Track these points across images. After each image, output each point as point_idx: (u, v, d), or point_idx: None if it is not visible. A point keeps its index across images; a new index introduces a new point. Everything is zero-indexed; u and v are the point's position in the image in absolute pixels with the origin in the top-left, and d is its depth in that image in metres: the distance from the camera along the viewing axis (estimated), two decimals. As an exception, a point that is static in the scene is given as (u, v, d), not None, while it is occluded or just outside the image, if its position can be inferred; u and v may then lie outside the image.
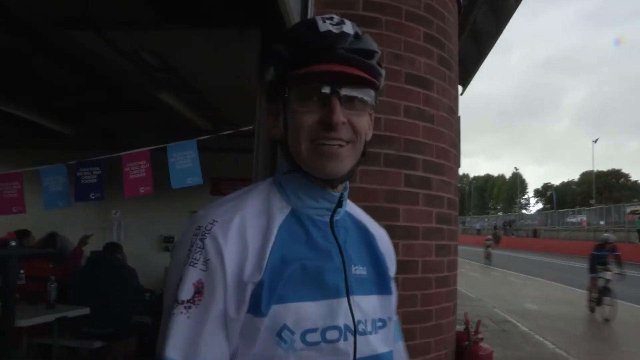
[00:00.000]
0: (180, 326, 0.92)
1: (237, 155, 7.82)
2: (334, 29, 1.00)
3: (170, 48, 5.58)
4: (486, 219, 72.82)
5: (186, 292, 0.93)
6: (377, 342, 1.06)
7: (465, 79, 9.24)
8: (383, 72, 1.07)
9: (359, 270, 1.09)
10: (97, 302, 5.13)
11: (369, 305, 1.07)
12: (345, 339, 0.99)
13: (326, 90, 0.99)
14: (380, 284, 1.14)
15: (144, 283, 6.24)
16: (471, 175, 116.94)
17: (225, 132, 3.76)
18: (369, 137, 1.09)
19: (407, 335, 3.24)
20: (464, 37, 7.40)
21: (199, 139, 3.60)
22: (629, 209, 37.67)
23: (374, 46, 1.05)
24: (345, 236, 1.09)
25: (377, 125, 3.27)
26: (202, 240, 0.96)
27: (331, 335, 0.98)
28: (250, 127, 3.29)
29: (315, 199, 1.05)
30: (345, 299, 1.02)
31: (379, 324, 1.09)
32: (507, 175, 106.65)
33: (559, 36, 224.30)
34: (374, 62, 1.04)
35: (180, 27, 5.00)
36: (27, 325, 4.32)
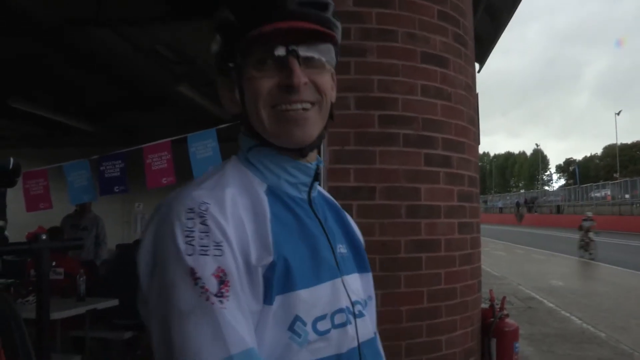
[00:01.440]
0: (228, 321, 0.78)
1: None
2: None
3: (185, 40, 5.63)
4: (508, 197, 72.23)
5: (210, 287, 0.78)
6: (369, 324, 1.02)
7: (482, 56, 9.13)
8: (339, 24, 0.98)
9: (341, 248, 1.02)
10: (126, 293, 5.23)
11: (356, 285, 1.02)
12: (350, 322, 0.93)
13: (281, 51, 0.89)
14: (358, 262, 1.07)
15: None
16: (491, 154, 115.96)
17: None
18: (333, 99, 0.99)
19: (433, 314, 3.28)
20: (480, 13, 7.31)
21: (218, 127, 3.64)
22: (655, 181, 37.03)
23: None
24: (324, 213, 1.03)
25: (395, 106, 3.27)
26: (203, 222, 0.81)
27: (339, 319, 0.92)
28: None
29: (291, 173, 0.96)
30: (340, 280, 0.95)
31: (364, 302, 1.03)
32: (528, 152, 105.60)
33: (576, 7, 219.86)
34: (329, 14, 0.95)
35: (193, 19, 5.04)
36: (60, 318, 4.44)
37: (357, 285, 1.02)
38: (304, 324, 0.86)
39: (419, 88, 3.33)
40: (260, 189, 0.93)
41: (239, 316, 0.79)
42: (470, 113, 3.75)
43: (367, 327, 0.99)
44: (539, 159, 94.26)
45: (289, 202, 0.96)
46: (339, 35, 0.98)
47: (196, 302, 0.77)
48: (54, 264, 1.89)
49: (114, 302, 5.13)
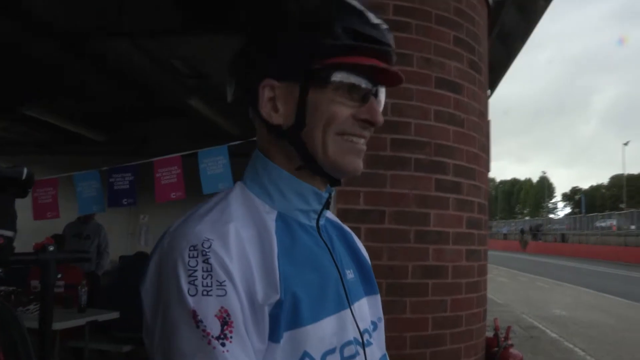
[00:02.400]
0: None
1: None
2: (382, 24, 0.91)
3: (200, 56, 5.67)
4: (513, 224, 71.91)
5: (212, 330, 0.76)
6: (376, 349, 1.00)
7: (492, 82, 9.15)
8: None
9: (350, 274, 1.00)
10: (127, 306, 5.21)
11: (365, 310, 1.01)
12: (358, 353, 0.92)
13: (369, 85, 0.90)
14: (367, 285, 1.06)
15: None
16: (497, 179, 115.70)
17: (255, 138, 3.77)
18: None
19: (437, 341, 3.25)
20: (492, 39, 7.35)
21: (229, 144, 3.63)
22: (661, 214, 36.85)
23: None
24: (331, 240, 1.01)
25: (408, 130, 3.27)
26: (205, 261, 0.78)
27: (348, 351, 0.90)
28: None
29: (306, 200, 0.94)
30: (349, 310, 0.94)
31: (372, 327, 1.02)
32: (535, 179, 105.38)
33: (587, 36, 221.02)
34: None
35: (211, 34, 5.08)
36: (60, 329, 4.42)
37: (366, 310, 1.01)
38: (313, 359, 0.84)
39: (433, 113, 3.33)
40: (269, 218, 0.90)
41: (242, 358, 0.77)
42: (482, 140, 3.74)
43: (373, 354, 0.98)
44: (544, 187, 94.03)
45: (299, 230, 0.93)
46: None
47: (198, 345, 0.76)
48: (59, 275, 1.88)
49: (115, 315, 5.10)
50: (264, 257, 0.84)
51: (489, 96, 9.35)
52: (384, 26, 0.92)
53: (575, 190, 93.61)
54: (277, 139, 0.93)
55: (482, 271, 3.68)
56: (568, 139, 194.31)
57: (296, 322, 0.83)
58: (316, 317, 0.86)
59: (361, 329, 0.95)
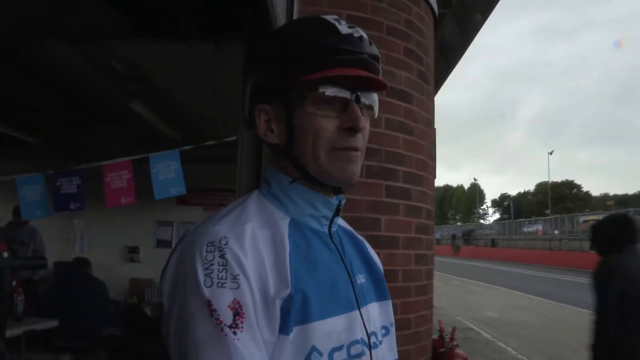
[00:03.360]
0: (240, 352, 0.80)
1: (204, 167, 7.79)
2: (354, 33, 0.97)
3: (142, 58, 5.53)
4: (445, 229, 73.92)
5: (224, 318, 0.82)
6: (384, 352, 1.05)
7: (431, 92, 9.43)
8: None
9: (361, 278, 1.06)
10: (66, 315, 5.03)
11: (375, 314, 1.05)
12: (364, 353, 0.96)
13: (348, 94, 0.95)
14: (378, 290, 1.12)
15: (109, 294, 6.13)
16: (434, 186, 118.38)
17: (209, 143, 3.75)
18: None
19: (390, 343, 3.31)
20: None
21: (181, 149, 3.59)
22: (581, 219, 38.87)
23: (378, 52, 1.03)
24: (343, 245, 1.06)
25: (360, 137, 3.34)
26: (222, 256, 0.85)
27: (355, 350, 0.95)
28: (234, 138, 3.31)
29: (316, 207, 1.00)
30: (357, 312, 0.99)
31: (383, 331, 1.08)
32: (466, 185, 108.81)
33: (514, 49, 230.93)
34: (380, 66, 1.02)
35: (153, 39, 4.98)
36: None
37: (376, 314, 1.07)
38: (320, 354, 0.89)
39: (384, 121, 3.42)
40: (283, 222, 0.97)
41: (252, 347, 0.82)
42: (430, 147, 3.87)
43: (382, 356, 1.03)
44: (476, 193, 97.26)
45: (311, 235, 1.00)
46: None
47: (211, 333, 0.81)
48: (14, 282, 1.81)
49: (54, 323, 4.91)
50: (276, 255, 0.90)
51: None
52: (357, 34, 0.98)
53: (504, 197, 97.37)
54: (277, 155, 1.02)
55: (430, 275, 3.81)
56: (497, 148, 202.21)
57: (305, 317, 0.88)
58: (325, 315, 0.91)
59: (369, 331, 1.00)
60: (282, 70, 0.96)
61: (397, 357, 1.14)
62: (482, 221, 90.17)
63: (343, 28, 0.97)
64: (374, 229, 3.33)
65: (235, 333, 0.81)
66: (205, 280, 0.83)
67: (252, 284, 0.85)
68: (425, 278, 3.69)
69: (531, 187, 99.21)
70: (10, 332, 4.41)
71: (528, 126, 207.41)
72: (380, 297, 1.12)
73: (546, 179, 73.41)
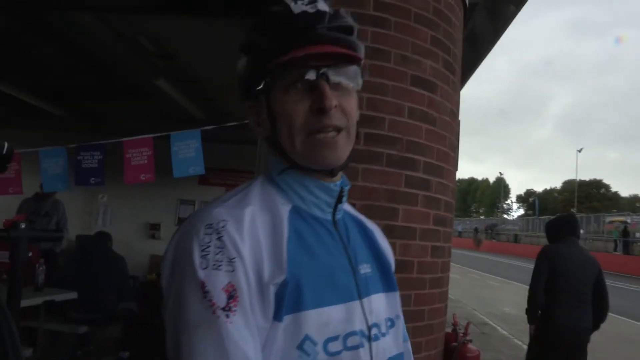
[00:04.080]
0: (232, 335, 0.81)
1: (226, 147, 7.84)
2: (309, 9, 0.94)
3: (168, 35, 5.56)
4: (468, 222, 73.42)
5: (218, 300, 0.82)
6: (388, 345, 1.03)
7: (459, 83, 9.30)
8: (363, 46, 1.02)
9: (365, 268, 1.04)
10: (85, 287, 5.11)
11: (379, 305, 1.03)
12: (362, 345, 0.94)
13: (312, 75, 0.93)
14: (385, 281, 1.10)
15: (128, 269, 6.23)
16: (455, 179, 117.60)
17: (230, 124, 3.75)
18: (357, 117, 1.03)
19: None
20: (462, 41, 7.45)
21: (203, 128, 3.60)
22: (608, 219, 38.24)
23: (351, 21, 1.00)
24: (348, 234, 1.05)
25: (382, 125, 3.30)
26: (219, 239, 0.85)
27: (352, 341, 0.93)
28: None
29: (316, 195, 0.99)
30: (358, 302, 0.97)
31: (389, 323, 1.05)
32: (491, 179, 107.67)
33: (544, 43, 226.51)
34: (354, 37, 0.99)
35: (180, 14, 4.98)
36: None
37: (381, 305, 1.05)
38: (314, 343, 0.88)
39: (406, 110, 3.37)
40: (284, 208, 0.97)
41: (244, 331, 0.82)
42: (452, 139, 3.81)
43: (383, 349, 1.01)
44: (501, 187, 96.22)
45: (313, 222, 0.99)
46: (363, 56, 1.01)
47: (204, 315, 0.81)
48: (30, 254, 1.84)
49: (73, 295, 5.00)
50: (274, 240, 0.90)
51: (456, 96, 9.51)
52: (313, 9, 0.94)
53: (529, 193, 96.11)
54: (269, 146, 1.04)
55: (445, 268, 3.77)
56: (524, 142, 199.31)
57: (299, 305, 0.88)
58: (319, 304, 0.90)
59: (370, 323, 0.98)
60: (251, 64, 0.99)
61: (402, 350, 1.11)
62: (505, 216, 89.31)
63: (297, 7, 0.94)
64: (390, 218, 3.29)
65: (228, 316, 0.81)
66: (201, 262, 0.83)
67: (247, 268, 0.85)
68: (441, 271, 3.65)
69: (558, 184, 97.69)
70: (30, 302, 4.51)
71: (556, 122, 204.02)
72: (388, 288, 1.10)
73: (573, 177, 72.36)
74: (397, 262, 3.34)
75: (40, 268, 4.83)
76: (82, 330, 5.20)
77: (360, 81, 1.01)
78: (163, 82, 6.59)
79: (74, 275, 5.30)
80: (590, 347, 4.45)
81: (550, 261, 4.39)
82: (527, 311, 4.49)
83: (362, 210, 3.30)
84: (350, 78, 0.98)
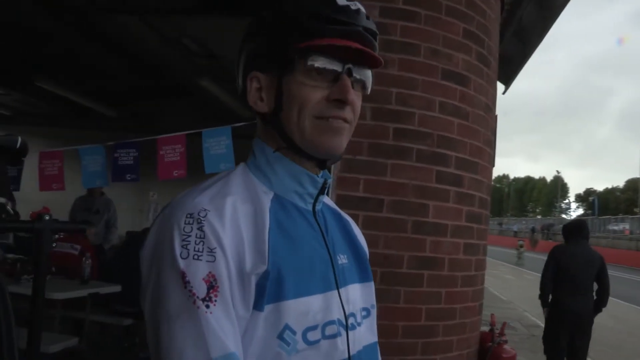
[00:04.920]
0: (211, 326, 0.81)
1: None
2: (351, 5, 0.95)
3: (211, 35, 5.66)
4: (524, 222, 71.47)
5: (198, 291, 0.82)
6: (364, 334, 1.04)
7: (508, 78, 9.07)
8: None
9: (342, 259, 1.04)
10: (130, 281, 5.27)
11: (355, 295, 1.04)
12: (340, 334, 0.95)
13: (339, 67, 0.93)
14: (361, 272, 1.10)
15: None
16: (511, 176, 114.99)
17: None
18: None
19: (430, 332, 3.26)
20: (509, 34, 7.26)
21: (233, 125, 3.66)
22: (674, 219, 36.44)
23: (376, 27, 1.00)
24: (326, 224, 1.05)
25: (411, 120, 3.26)
26: (200, 229, 0.84)
27: (330, 330, 0.94)
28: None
29: (301, 183, 0.99)
30: (336, 292, 0.98)
31: (364, 313, 1.06)
32: (548, 178, 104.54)
33: (604, 37, 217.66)
34: (377, 42, 1.00)
35: (222, 15, 5.07)
36: (62, 299, 4.48)
37: (357, 295, 1.05)
38: (294, 332, 0.88)
39: (437, 104, 3.32)
40: (266, 197, 0.96)
41: (224, 321, 0.82)
42: (487, 134, 3.72)
43: (359, 338, 1.01)
44: (558, 186, 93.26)
45: (293, 211, 0.99)
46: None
47: (183, 305, 0.81)
48: (54, 245, 1.92)
49: (117, 288, 5.16)
50: (256, 230, 0.90)
51: (504, 92, 9.28)
52: (354, 7, 0.95)
53: (589, 192, 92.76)
54: (266, 125, 1.01)
55: (480, 266, 3.68)
56: (582, 140, 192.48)
57: (279, 295, 0.88)
58: (299, 293, 0.91)
59: (347, 312, 0.99)
60: (275, 37, 0.96)
61: (376, 339, 1.11)
62: (563, 216, 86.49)
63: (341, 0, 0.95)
64: (420, 214, 3.25)
65: (208, 306, 0.81)
66: (181, 252, 0.83)
67: (228, 258, 0.84)
68: (475, 269, 3.57)
69: (620, 183, 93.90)
70: (76, 293, 4.70)
71: (618, 119, 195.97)
72: (363, 278, 1.10)
73: (637, 175, 69.26)
74: (427, 258, 3.31)
75: (87, 262, 5.00)
76: (127, 323, 5.37)
77: (370, 87, 1.02)
78: (207, 82, 6.72)
79: (119, 269, 5.46)
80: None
81: (557, 258, 5.42)
82: (540, 297, 5.55)
83: (390, 205, 3.29)
84: (366, 79, 0.99)
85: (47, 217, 2.02)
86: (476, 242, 3.58)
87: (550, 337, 5.48)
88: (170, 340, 0.80)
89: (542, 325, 10.69)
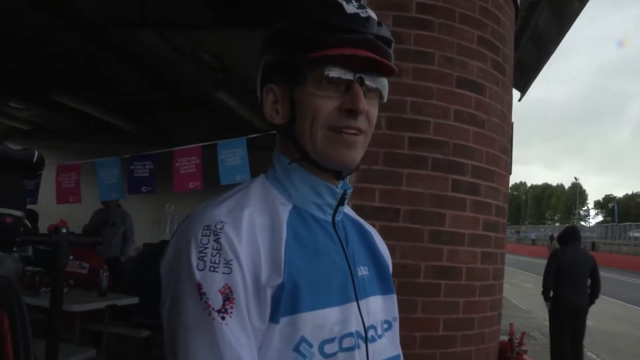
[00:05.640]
0: (227, 338, 0.81)
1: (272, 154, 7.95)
2: (361, 13, 0.94)
3: (227, 49, 5.71)
4: (542, 229, 70.71)
5: (214, 302, 0.82)
6: (385, 346, 1.03)
7: (524, 85, 9.02)
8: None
9: (363, 270, 1.03)
10: (148, 292, 5.29)
11: (376, 307, 1.03)
12: (359, 346, 0.94)
13: (350, 76, 0.92)
14: (382, 284, 1.09)
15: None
16: (528, 184, 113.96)
17: (273, 132, 3.78)
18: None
19: (448, 343, 3.22)
20: (525, 41, 7.23)
21: (248, 137, 3.67)
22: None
23: (390, 35, 0.99)
24: (346, 236, 1.04)
25: (426, 129, 3.24)
26: (216, 240, 0.85)
27: (348, 342, 0.93)
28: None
29: (320, 194, 0.98)
30: (355, 304, 0.97)
31: (385, 326, 1.05)
32: (566, 185, 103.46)
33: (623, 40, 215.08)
34: (391, 50, 0.98)
35: (237, 29, 5.11)
36: (80, 311, 4.51)
37: (378, 307, 1.04)
38: (310, 345, 0.88)
39: (452, 113, 3.30)
40: (284, 209, 0.96)
41: (239, 333, 0.82)
42: (504, 142, 3.69)
43: (379, 351, 1.00)
44: (576, 193, 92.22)
45: (312, 223, 0.99)
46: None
47: (199, 316, 0.82)
48: (71, 257, 1.93)
49: (134, 300, 5.19)
50: (272, 242, 0.90)
51: (520, 99, 9.24)
52: (364, 14, 0.94)
53: (608, 198, 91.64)
54: (282, 137, 1.01)
55: (498, 275, 3.64)
56: (601, 146, 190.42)
57: (295, 307, 0.88)
58: (316, 306, 0.90)
59: (366, 325, 0.98)
60: (286, 48, 0.96)
61: (399, 352, 1.09)
62: (582, 223, 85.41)
63: (350, 7, 0.94)
64: (437, 223, 3.22)
65: (223, 318, 0.81)
66: (198, 264, 0.83)
67: (244, 270, 0.85)
68: (493, 278, 3.53)
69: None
70: (94, 305, 4.73)
71: (637, 124, 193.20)
72: (385, 290, 1.09)
73: (658, 181, 68.14)
74: (444, 268, 3.28)
75: (104, 274, 5.04)
76: (145, 334, 5.38)
77: (386, 95, 1.01)
78: (223, 94, 6.77)
79: (136, 281, 5.49)
80: None
81: (558, 260, 6.49)
82: (542, 293, 6.58)
83: (406, 215, 3.27)
84: (381, 87, 0.98)
85: (64, 230, 2.04)
86: (494, 250, 3.54)
87: (555, 326, 6.53)
88: (186, 351, 0.81)
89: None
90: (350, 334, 0.93)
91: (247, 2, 4.69)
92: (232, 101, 7.01)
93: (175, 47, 5.56)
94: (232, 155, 3.56)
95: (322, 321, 0.90)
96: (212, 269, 0.83)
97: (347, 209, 1.11)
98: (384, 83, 0.98)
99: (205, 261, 0.83)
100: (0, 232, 1.49)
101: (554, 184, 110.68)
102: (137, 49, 5.72)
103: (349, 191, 1.03)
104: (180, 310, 0.83)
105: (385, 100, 1.01)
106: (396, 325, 1.10)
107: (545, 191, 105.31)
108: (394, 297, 1.12)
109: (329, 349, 0.90)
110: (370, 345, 0.97)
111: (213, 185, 3.72)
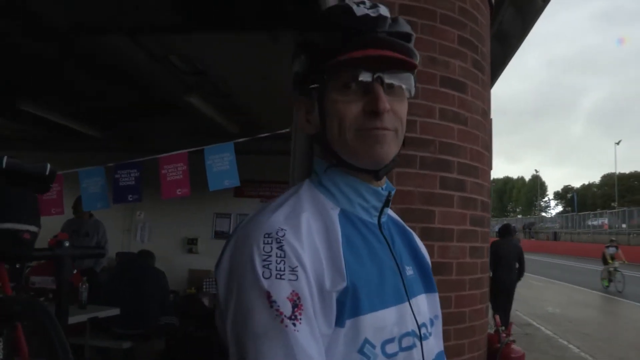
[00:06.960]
0: (300, 344, 0.81)
1: (260, 158, 7.91)
2: (371, 13, 0.95)
3: (199, 52, 5.64)
4: (505, 222, 72.13)
5: (284, 310, 0.82)
6: (433, 344, 1.05)
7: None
8: (418, 54, 1.03)
9: (409, 270, 1.05)
10: (127, 303, 5.20)
11: (423, 305, 1.05)
12: (415, 345, 0.97)
13: (367, 77, 0.93)
14: (425, 282, 1.11)
15: (169, 284, 6.28)
16: (491, 178, 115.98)
17: (262, 135, 3.78)
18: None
19: (443, 337, 3.26)
20: (490, 38, 7.37)
21: (236, 141, 3.65)
22: (651, 212, 37.13)
23: (409, 28, 1.01)
24: (392, 237, 1.06)
25: (413, 128, 3.29)
26: (280, 248, 0.85)
27: (406, 342, 0.95)
28: (287, 130, 3.32)
29: (364, 197, 1.00)
30: (407, 304, 0.99)
31: (430, 323, 1.07)
32: (527, 177, 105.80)
33: (574, 37, 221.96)
34: (411, 44, 1.00)
35: (210, 31, 5.05)
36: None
37: (424, 306, 1.06)
38: (373, 346, 0.89)
39: (437, 111, 3.35)
40: (334, 213, 0.97)
41: (310, 339, 0.82)
42: (485, 138, 3.77)
43: (432, 347, 1.03)
44: (537, 185, 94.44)
45: (360, 226, 1.00)
46: (418, 63, 1.02)
47: (271, 324, 0.81)
48: (74, 271, 1.88)
49: (116, 311, 5.09)
50: (330, 247, 0.90)
51: (486, 95, 9.39)
52: (374, 14, 0.95)
53: (567, 189, 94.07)
54: (316, 144, 1.05)
55: (485, 268, 3.72)
56: (559, 139, 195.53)
57: (357, 310, 0.89)
58: (375, 307, 0.91)
59: (419, 323, 1.00)
60: (307, 60, 0.99)
61: (442, 349, 1.12)
62: (543, 214, 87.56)
63: (360, 10, 0.95)
64: (427, 221, 3.27)
65: (294, 325, 0.81)
66: (263, 272, 0.83)
67: (309, 276, 0.85)
68: (481, 271, 3.60)
69: (596, 179, 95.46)
70: (75, 319, 4.62)
71: (591, 116, 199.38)
72: (428, 289, 1.11)
73: (613, 171, 70.53)
74: (436, 264, 3.32)
75: (84, 286, 4.93)
76: (126, 346, 5.29)
77: (413, 89, 1.02)
78: (195, 98, 6.69)
79: (116, 292, 5.40)
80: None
81: (494, 249, 8.00)
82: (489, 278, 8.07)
83: (398, 213, 3.29)
84: (403, 82, 0.99)
85: (66, 244, 2.00)
86: (480, 244, 3.61)
87: (493, 298, 7.40)
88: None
89: (535, 323, 10.93)
90: (407, 334, 0.96)
91: (222, 4, 4.64)
92: (204, 105, 6.93)
93: (146, 50, 5.46)
94: (220, 161, 3.53)
95: (382, 322, 0.91)
96: (278, 276, 0.83)
97: (389, 211, 1.12)
98: (406, 77, 0.99)
99: (270, 269, 0.83)
100: (18, 248, 1.45)
101: (515, 177, 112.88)
102: (105, 53, 5.59)
103: (393, 192, 1.04)
104: (249, 320, 0.82)
105: (412, 94, 1.03)
106: (438, 323, 1.13)
107: (507, 184, 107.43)
108: (437, 295, 1.15)
109: (390, 349, 0.92)
110: (424, 343, 0.99)
111: (200, 191, 3.70)
